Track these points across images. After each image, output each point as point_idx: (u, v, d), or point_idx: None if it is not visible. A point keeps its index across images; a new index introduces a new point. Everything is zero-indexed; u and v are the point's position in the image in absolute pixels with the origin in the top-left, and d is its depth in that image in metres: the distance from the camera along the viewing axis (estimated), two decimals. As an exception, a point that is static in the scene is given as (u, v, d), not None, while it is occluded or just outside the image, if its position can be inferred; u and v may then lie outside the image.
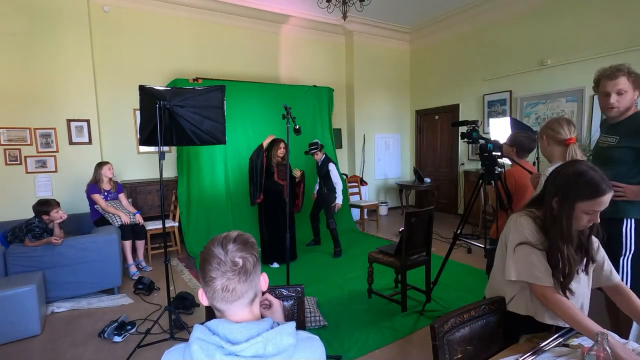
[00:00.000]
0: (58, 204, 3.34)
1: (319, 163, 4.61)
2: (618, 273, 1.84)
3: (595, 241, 1.36)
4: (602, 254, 1.38)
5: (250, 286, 0.85)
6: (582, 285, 1.35)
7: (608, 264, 1.39)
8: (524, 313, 1.36)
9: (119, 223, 3.84)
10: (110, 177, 4.00)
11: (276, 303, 1.16)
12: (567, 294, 1.28)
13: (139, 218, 4.05)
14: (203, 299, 0.88)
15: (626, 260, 1.84)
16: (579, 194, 1.20)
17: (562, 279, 1.27)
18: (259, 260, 0.91)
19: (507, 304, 1.41)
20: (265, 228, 4.17)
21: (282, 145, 4.06)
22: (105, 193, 3.94)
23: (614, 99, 1.80)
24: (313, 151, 4.53)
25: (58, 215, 3.28)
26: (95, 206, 3.89)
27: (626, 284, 1.83)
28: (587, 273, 1.35)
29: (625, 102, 1.81)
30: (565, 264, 1.25)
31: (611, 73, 1.80)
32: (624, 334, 1.26)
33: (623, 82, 1.77)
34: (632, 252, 1.82)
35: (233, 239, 0.87)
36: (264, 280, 0.92)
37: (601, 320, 1.44)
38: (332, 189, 4.54)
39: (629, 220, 1.82)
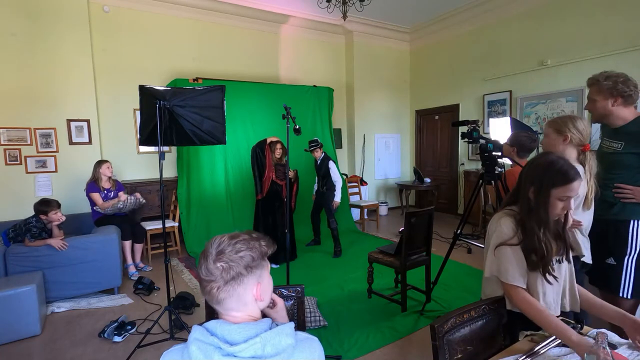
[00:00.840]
0: (59, 206, 3.33)
1: (318, 161, 4.61)
2: (622, 273, 1.86)
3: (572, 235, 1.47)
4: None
5: (229, 294, 0.84)
6: (562, 273, 1.41)
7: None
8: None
9: (121, 205, 3.83)
10: (110, 176, 4.00)
11: (280, 302, 1.16)
12: (550, 279, 1.32)
13: (138, 195, 4.05)
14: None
15: (631, 260, 1.86)
16: (553, 181, 1.28)
17: (540, 264, 1.31)
18: (252, 273, 0.86)
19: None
20: (262, 228, 4.14)
21: (278, 146, 4.06)
22: (105, 191, 3.94)
23: (587, 104, 1.94)
24: (313, 148, 4.54)
25: (56, 217, 3.27)
26: (95, 207, 3.89)
27: (630, 283, 1.86)
28: (569, 260, 1.42)
29: (597, 110, 1.87)
30: (542, 248, 1.30)
31: (588, 80, 1.90)
32: (624, 334, 1.26)
33: (591, 91, 1.88)
34: (637, 252, 1.85)
35: (227, 243, 0.86)
36: (257, 290, 0.88)
37: (602, 320, 1.44)
38: (331, 188, 4.53)
39: (636, 222, 1.85)
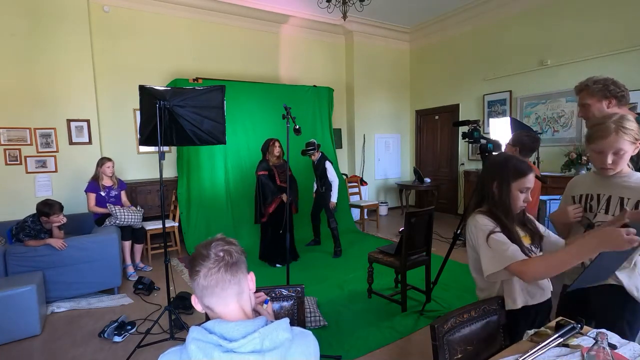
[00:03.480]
0: (61, 209, 3.32)
1: (315, 162, 4.61)
2: None
3: (533, 220, 1.55)
4: (542, 227, 1.55)
5: (234, 277, 0.88)
6: None
7: (546, 231, 1.54)
8: (519, 306, 1.38)
9: (111, 223, 3.81)
10: (111, 175, 3.99)
11: (270, 307, 1.22)
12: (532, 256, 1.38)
13: (131, 207, 4.05)
14: (196, 305, 0.92)
15: None
16: (511, 175, 1.41)
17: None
18: (245, 260, 0.94)
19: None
20: (271, 230, 4.12)
21: (277, 144, 4.05)
22: (107, 189, 3.94)
23: (579, 112, 1.95)
24: (311, 152, 4.52)
25: (57, 220, 3.27)
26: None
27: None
28: (540, 248, 1.48)
29: (593, 114, 1.86)
30: (514, 239, 1.38)
31: (576, 88, 1.90)
32: (624, 334, 1.26)
33: (581, 97, 1.89)
34: None
35: (216, 239, 0.93)
36: (251, 280, 0.95)
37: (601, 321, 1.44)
38: (330, 188, 4.53)
39: None
